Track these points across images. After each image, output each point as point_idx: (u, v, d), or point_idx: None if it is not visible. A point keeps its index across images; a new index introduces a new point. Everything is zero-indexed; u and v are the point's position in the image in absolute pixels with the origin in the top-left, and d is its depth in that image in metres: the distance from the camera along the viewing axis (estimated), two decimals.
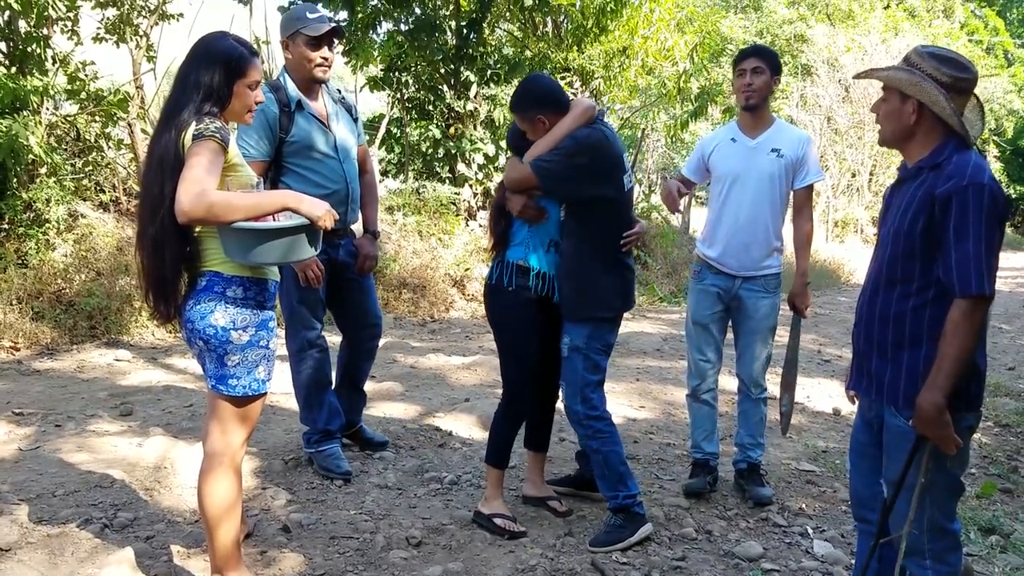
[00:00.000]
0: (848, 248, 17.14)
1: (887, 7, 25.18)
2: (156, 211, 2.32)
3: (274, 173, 3.53)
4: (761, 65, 3.55)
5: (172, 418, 4.46)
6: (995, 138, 27.59)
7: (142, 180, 2.45)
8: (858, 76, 2.46)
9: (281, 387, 4.41)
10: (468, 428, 4.61)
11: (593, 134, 3.08)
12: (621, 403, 5.36)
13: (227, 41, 2.43)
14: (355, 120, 3.84)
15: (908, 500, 2.20)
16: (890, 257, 2.24)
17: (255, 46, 10.63)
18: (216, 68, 2.37)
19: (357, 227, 3.93)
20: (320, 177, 3.55)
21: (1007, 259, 22.72)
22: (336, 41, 3.59)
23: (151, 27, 8.18)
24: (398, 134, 10.94)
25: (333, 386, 3.88)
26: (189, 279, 2.47)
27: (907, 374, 2.20)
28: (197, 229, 2.39)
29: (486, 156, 10.17)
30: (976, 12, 31.80)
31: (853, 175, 19.11)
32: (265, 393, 2.54)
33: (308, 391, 3.73)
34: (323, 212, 2.39)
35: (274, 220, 2.38)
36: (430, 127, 10.30)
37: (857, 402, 2.49)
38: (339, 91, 3.83)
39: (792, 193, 3.71)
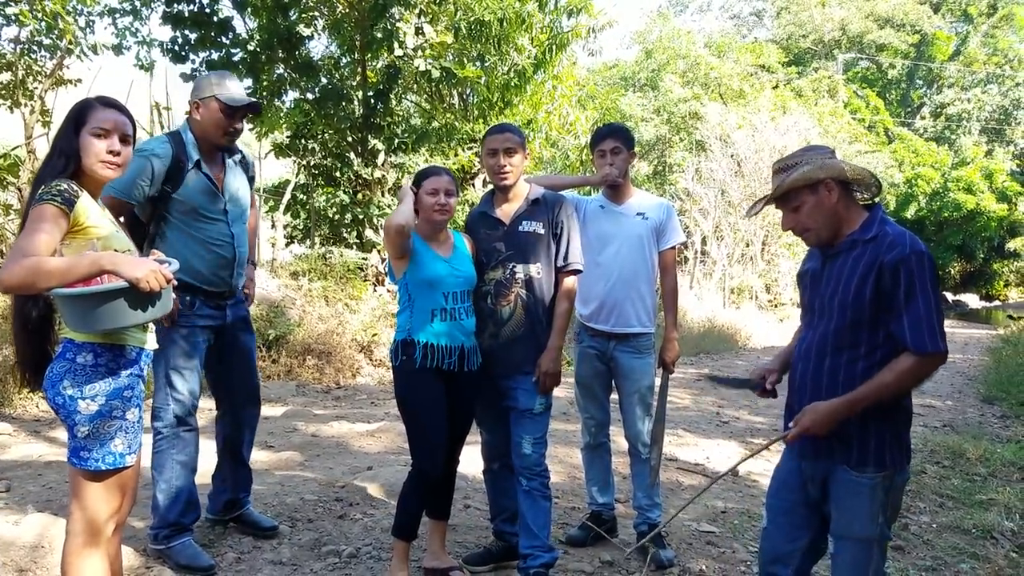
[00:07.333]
0: (744, 314, 17.77)
1: (775, 87, 26.89)
2: None
3: (155, 227, 3.38)
4: (618, 145, 3.78)
5: (52, 494, 4.21)
6: None
7: None
8: (772, 199, 2.42)
9: None
10: (370, 497, 4.50)
11: None
12: None
13: (83, 100, 2.39)
14: (251, 179, 3.74)
15: (853, 551, 2.34)
16: (836, 327, 2.34)
17: (157, 111, 10.28)
18: (67, 125, 2.34)
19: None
20: (205, 237, 3.41)
21: None
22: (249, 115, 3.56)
23: (46, 91, 8.00)
24: (304, 200, 10.90)
25: (196, 472, 3.57)
26: (54, 347, 2.38)
27: (858, 434, 2.32)
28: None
29: None
30: (858, 93, 34.29)
31: (747, 245, 19.97)
32: (125, 467, 2.38)
33: (168, 475, 3.43)
34: (143, 273, 2.15)
35: (101, 284, 2.19)
36: (338, 192, 10.30)
37: (782, 462, 2.58)
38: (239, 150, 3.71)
39: (659, 255, 3.88)
